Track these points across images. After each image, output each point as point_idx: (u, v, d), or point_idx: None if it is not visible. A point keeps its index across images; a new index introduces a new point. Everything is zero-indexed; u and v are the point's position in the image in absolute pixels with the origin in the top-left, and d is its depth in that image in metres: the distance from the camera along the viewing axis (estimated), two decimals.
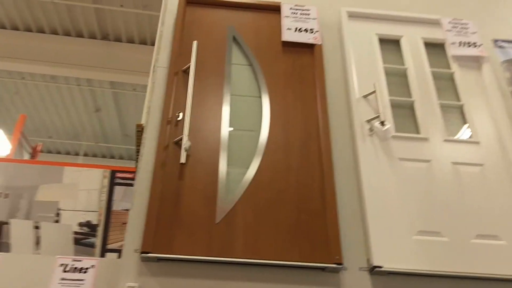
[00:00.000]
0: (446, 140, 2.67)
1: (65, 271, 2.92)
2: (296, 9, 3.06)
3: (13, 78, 10.65)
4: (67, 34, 9.49)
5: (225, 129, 2.55)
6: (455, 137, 2.70)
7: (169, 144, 2.47)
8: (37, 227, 3.92)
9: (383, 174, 2.51)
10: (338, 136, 2.66)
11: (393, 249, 2.30)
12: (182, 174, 2.40)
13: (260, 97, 2.71)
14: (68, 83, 10.78)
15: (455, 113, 2.84)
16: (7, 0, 8.63)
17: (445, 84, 2.96)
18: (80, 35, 9.49)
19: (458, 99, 2.89)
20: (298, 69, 2.85)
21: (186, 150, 2.37)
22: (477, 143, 2.69)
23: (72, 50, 9.52)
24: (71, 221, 3.86)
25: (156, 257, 2.13)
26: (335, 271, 2.23)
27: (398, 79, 2.94)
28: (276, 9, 3.09)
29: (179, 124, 2.54)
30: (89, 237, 3.78)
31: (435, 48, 3.09)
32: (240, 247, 2.22)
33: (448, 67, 3.02)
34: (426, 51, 3.04)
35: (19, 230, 3.86)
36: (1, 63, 9.37)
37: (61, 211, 3.96)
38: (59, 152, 13.96)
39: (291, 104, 2.70)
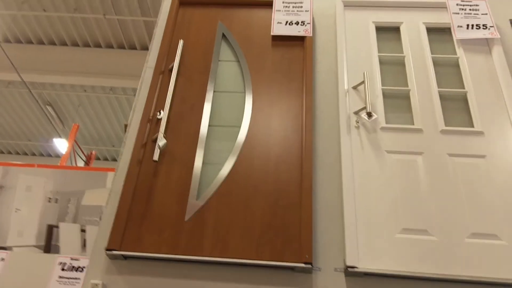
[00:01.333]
0: (443, 131, 2.45)
1: (63, 270, 3.02)
2: (289, 2, 2.97)
3: (76, 91, 11.33)
4: (121, 47, 9.94)
5: (204, 126, 2.51)
6: (455, 127, 2.46)
7: (147, 142, 2.48)
8: (83, 230, 4.10)
9: (367, 168, 2.34)
10: (325, 129, 2.53)
11: (373, 248, 2.13)
12: (157, 172, 2.39)
13: (244, 92, 2.65)
14: (126, 94, 11.29)
15: (458, 101, 2.60)
16: (66, 20, 9.20)
17: (450, 71, 2.72)
18: (133, 47, 9.91)
19: (462, 86, 2.64)
20: (287, 63, 2.75)
21: (160, 148, 2.36)
22: (480, 133, 2.44)
23: (127, 62, 9.95)
24: None
25: (122, 254, 2.13)
26: (306, 271, 2.10)
27: (397, 68, 2.75)
28: (269, 4, 3.01)
29: (159, 122, 2.54)
30: None
31: (439, 33, 2.86)
32: (208, 245, 2.16)
33: (454, 52, 2.77)
34: (428, 37, 2.82)
35: (67, 233, 4.06)
36: (64, 77, 9.97)
37: None
38: None
39: (275, 99, 2.61)
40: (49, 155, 14.51)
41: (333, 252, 2.17)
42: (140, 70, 9.89)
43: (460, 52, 2.75)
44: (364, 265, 2.08)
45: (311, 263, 2.06)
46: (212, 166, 2.40)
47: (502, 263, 2.08)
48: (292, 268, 2.11)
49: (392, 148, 2.40)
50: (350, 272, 2.06)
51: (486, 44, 2.77)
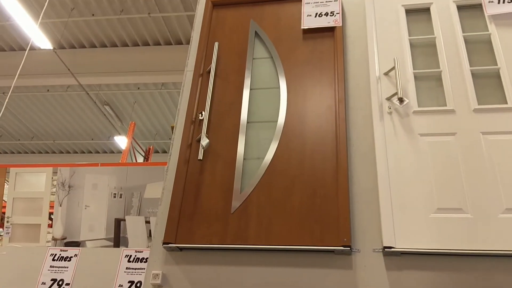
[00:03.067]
0: (476, 110, 2.48)
1: (129, 261, 3.32)
2: None
3: (131, 90, 11.86)
4: (168, 43, 10.28)
5: (243, 123, 2.69)
6: (488, 105, 2.49)
7: (192, 142, 2.69)
8: (147, 222, 4.44)
9: (401, 152, 2.43)
10: (359, 117, 2.63)
11: (409, 229, 2.23)
12: (203, 170, 2.59)
13: (279, 88, 2.79)
14: (177, 88, 11.69)
15: (492, 78, 2.61)
16: (114, 22, 9.62)
17: (482, 48, 2.72)
18: (179, 42, 10.23)
19: (495, 63, 2.64)
20: (318, 55, 2.86)
21: (203, 147, 2.56)
22: None
23: (176, 57, 10.29)
24: None
25: (177, 246, 2.36)
26: (345, 253, 2.25)
27: (428, 50, 2.78)
28: None
29: (201, 123, 2.74)
30: None
31: (470, 10, 2.85)
32: (253, 234, 2.35)
33: (486, 29, 2.77)
34: (459, 15, 2.82)
35: (134, 225, 4.41)
36: (118, 77, 10.46)
37: None
38: None
39: (308, 91, 2.73)
40: (111, 152, 15.30)
41: (371, 234, 2.29)
42: None
43: (492, 28, 2.74)
44: (401, 245, 2.19)
45: (349, 246, 2.20)
46: (253, 160, 2.58)
47: None
48: (332, 251, 2.26)
49: (425, 131, 2.47)
50: (387, 252, 2.18)
51: None
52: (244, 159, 2.58)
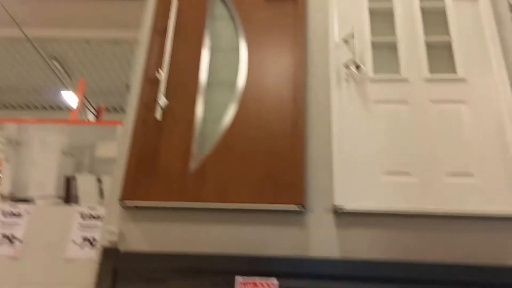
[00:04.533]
0: (426, 79, 2.59)
1: (82, 218, 3.31)
2: None
3: (81, 44, 11.38)
4: None
5: (202, 83, 2.68)
6: (438, 76, 2.60)
7: (149, 101, 2.66)
8: (99, 180, 4.36)
9: (355, 118, 2.52)
10: (316, 82, 2.69)
11: (358, 190, 2.35)
12: (161, 130, 2.58)
13: (238, 49, 2.79)
14: (130, 45, 11.32)
15: (444, 49, 2.72)
16: None
17: (438, 19, 2.82)
18: None
19: (448, 35, 2.75)
20: (280, 18, 2.86)
21: (161, 107, 2.54)
22: (462, 80, 2.58)
23: (131, 12, 9.90)
24: None
25: (134, 204, 2.38)
26: (299, 212, 2.34)
27: (387, 19, 2.85)
28: None
29: (159, 82, 2.71)
30: None
31: None
32: (210, 194, 2.39)
33: (442, 1, 2.86)
34: None
35: (85, 184, 4.33)
36: (68, 30, 10.00)
37: None
38: None
39: (268, 54, 2.74)
40: (60, 108, 14.77)
41: (324, 195, 2.40)
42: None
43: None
44: (351, 205, 2.30)
45: (303, 205, 2.29)
46: (211, 122, 2.59)
47: (475, 198, 2.29)
48: (287, 211, 2.34)
49: (379, 98, 2.56)
50: (336, 212, 2.29)
51: None
52: (203, 120, 2.59)
